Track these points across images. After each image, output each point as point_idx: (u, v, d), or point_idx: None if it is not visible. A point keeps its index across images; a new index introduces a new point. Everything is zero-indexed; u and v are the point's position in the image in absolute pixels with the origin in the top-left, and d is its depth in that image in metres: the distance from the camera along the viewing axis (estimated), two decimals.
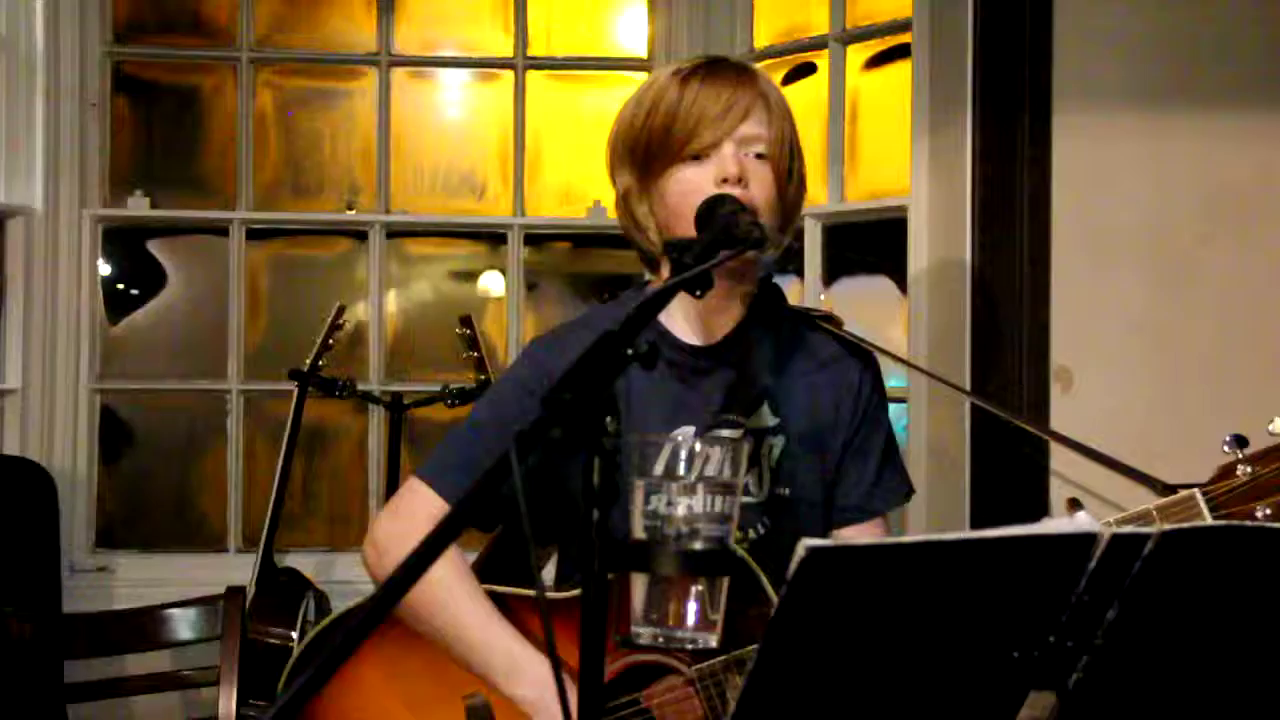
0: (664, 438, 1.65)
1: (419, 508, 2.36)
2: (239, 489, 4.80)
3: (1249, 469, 2.05)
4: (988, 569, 1.40)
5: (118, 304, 4.85)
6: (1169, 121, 3.57)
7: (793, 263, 4.44)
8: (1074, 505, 2.18)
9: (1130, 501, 2.15)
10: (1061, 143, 3.57)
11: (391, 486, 4.50)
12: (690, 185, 2.27)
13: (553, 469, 2.13)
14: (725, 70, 2.35)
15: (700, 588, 1.61)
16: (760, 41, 4.65)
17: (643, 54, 4.95)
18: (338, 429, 4.95)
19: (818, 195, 4.38)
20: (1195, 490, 2.08)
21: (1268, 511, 2.03)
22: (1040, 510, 3.47)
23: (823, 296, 4.39)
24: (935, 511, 3.78)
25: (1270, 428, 2.05)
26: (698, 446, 1.64)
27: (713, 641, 1.63)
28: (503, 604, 2.32)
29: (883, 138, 4.31)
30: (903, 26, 4.13)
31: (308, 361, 4.45)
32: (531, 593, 2.32)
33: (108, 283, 4.82)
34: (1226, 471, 2.07)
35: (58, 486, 4.35)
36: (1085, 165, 3.58)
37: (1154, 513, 2.07)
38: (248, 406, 4.84)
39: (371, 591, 2.25)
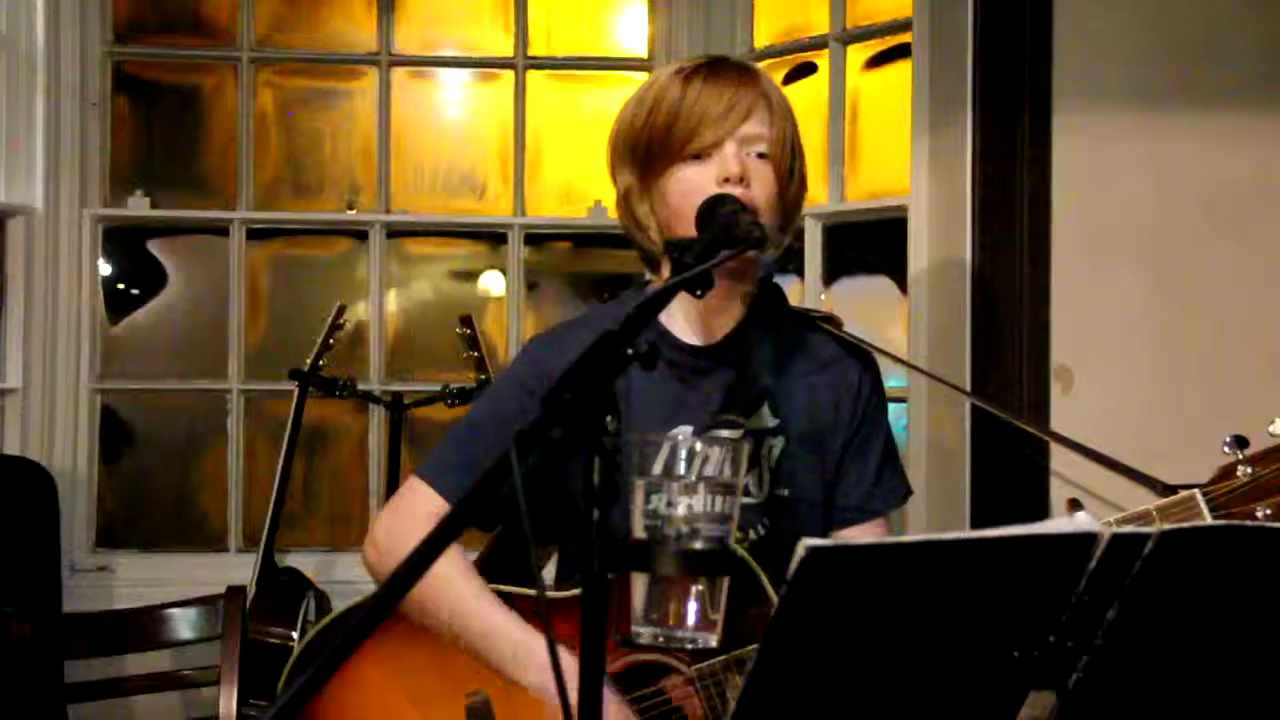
0: (663, 437, 1.65)
1: (419, 507, 2.37)
2: (239, 489, 4.80)
3: (1249, 469, 2.05)
4: (988, 569, 1.40)
5: (118, 304, 4.85)
6: (1169, 121, 3.57)
7: (793, 262, 4.44)
8: (1074, 505, 2.18)
9: (1130, 502, 2.15)
10: (1061, 143, 3.57)
11: (392, 486, 4.51)
12: (691, 185, 2.27)
13: (553, 468, 2.13)
14: (727, 69, 2.35)
15: (700, 587, 1.61)
16: (760, 41, 4.65)
17: (643, 54, 4.95)
18: (338, 429, 4.95)
19: (818, 195, 4.38)
20: (1195, 490, 2.08)
21: (1268, 512, 2.04)
22: (1040, 510, 3.48)
23: (823, 296, 4.39)
24: (935, 511, 3.79)
25: (1270, 428, 2.05)
26: (697, 446, 1.64)
27: (713, 641, 1.63)
28: (504, 603, 2.32)
29: (883, 137, 4.31)
30: (903, 26, 4.13)
31: (308, 361, 4.45)
32: (532, 592, 2.32)
33: (108, 282, 4.82)
34: (1227, 472, 2.07)
35: (58, 486, 4.35)
36: (1085, 165, 3.58)
37: (1154, 513, 2.07)
38: (248, 406, 4.84)
39: (372, 591, 2.26)
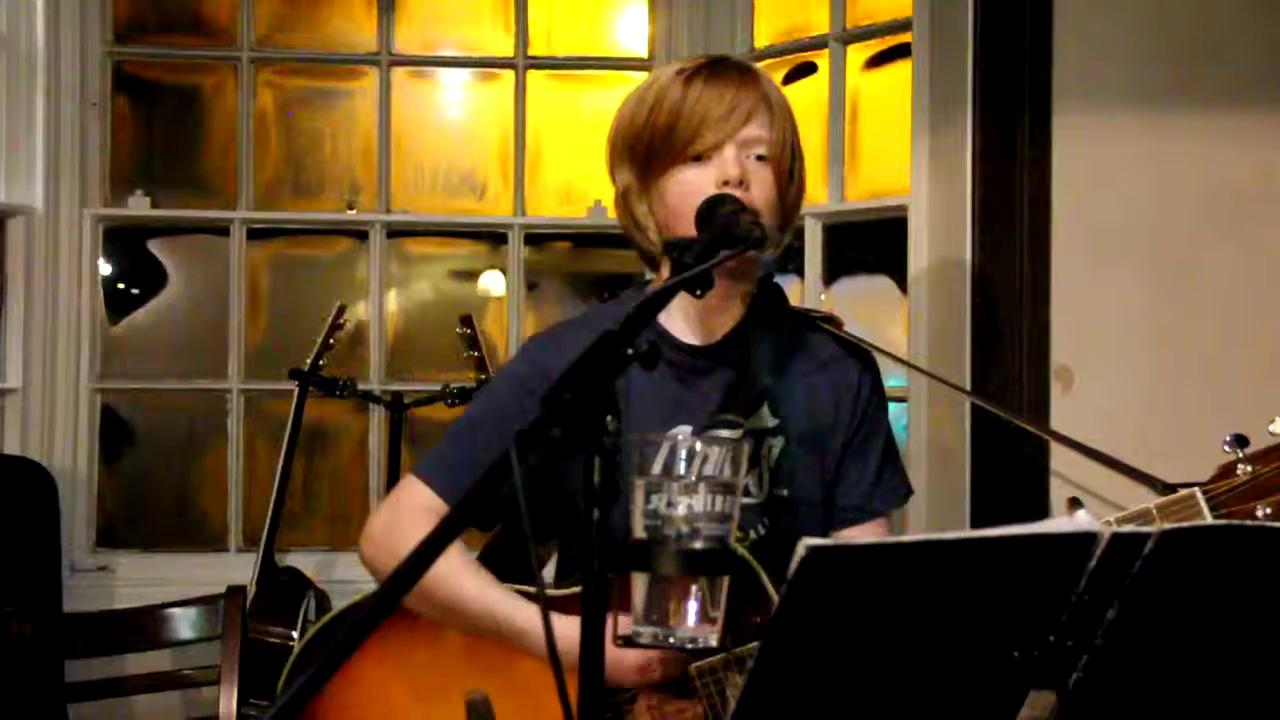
0: (663, 437, 1.66)
1: (413, 502, 2.37)
2: (239, 488, 4.80)
3: (1249, 468, 2.05)
4: (988, 568, 1.40)
5: (118, 303, 4.86)
6: (1168, 122, 3.57)
7: (793, 262, 4.44)
8: (1074, 504, 2.18)
9: (1130, 501, 2.15)
10: (1061, 143, 3.57)
11: (392, 486, 4.49)
12: (691, 186, 2.27)
13: (552, 468, 2.13)
14: (728, 71, 2.35)
15: (700, 587, 1.62)
16: (760, 41, 4.65)
17: (643, 54, 4.96)
18: (338, 428, 4.95)
19: (818, 195, 4.39)
20: (1195, 489, 2.08)
21: (1268, 511, 2.03)
22: (1040, 510, 3.48)
23: (823, 296, 4.40)
24: (935, 511, 3.79)
25: (1271, 427, 2.05)
26: (697, 446, 1.64)
27: (713, 640, 1.63)
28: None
29: (883, 137, 4.31)
30: (903, 26, 4.13)
31: (308, 361, 4.45)
32: (531, 589, 2.32)
33: (108, 282, 4.82)
34: (1227, 471, 2.07)
35: (58, 486, 4.35)
36: (1085, 165, 3.58)
37: (1154, 512, 2.07)
38: (248, 406, 4.84)
39: (371, 590, 2.26)
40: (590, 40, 5.04)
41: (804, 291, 4.41)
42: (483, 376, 4.45)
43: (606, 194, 2.50)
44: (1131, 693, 1.53)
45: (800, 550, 1.30)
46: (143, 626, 3.90)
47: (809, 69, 4.54)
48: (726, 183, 2.25)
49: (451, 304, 4.96)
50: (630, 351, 1.57)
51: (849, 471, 2.46)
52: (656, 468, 1.63)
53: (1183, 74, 3.57)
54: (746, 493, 2.32)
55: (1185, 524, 1.46)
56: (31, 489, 4.27)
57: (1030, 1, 3.58)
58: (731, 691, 2.17)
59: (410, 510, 2.36)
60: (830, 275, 4.44)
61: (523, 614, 2.27)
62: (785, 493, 2.39)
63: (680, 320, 2.41)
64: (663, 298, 1.76)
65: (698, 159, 2.30)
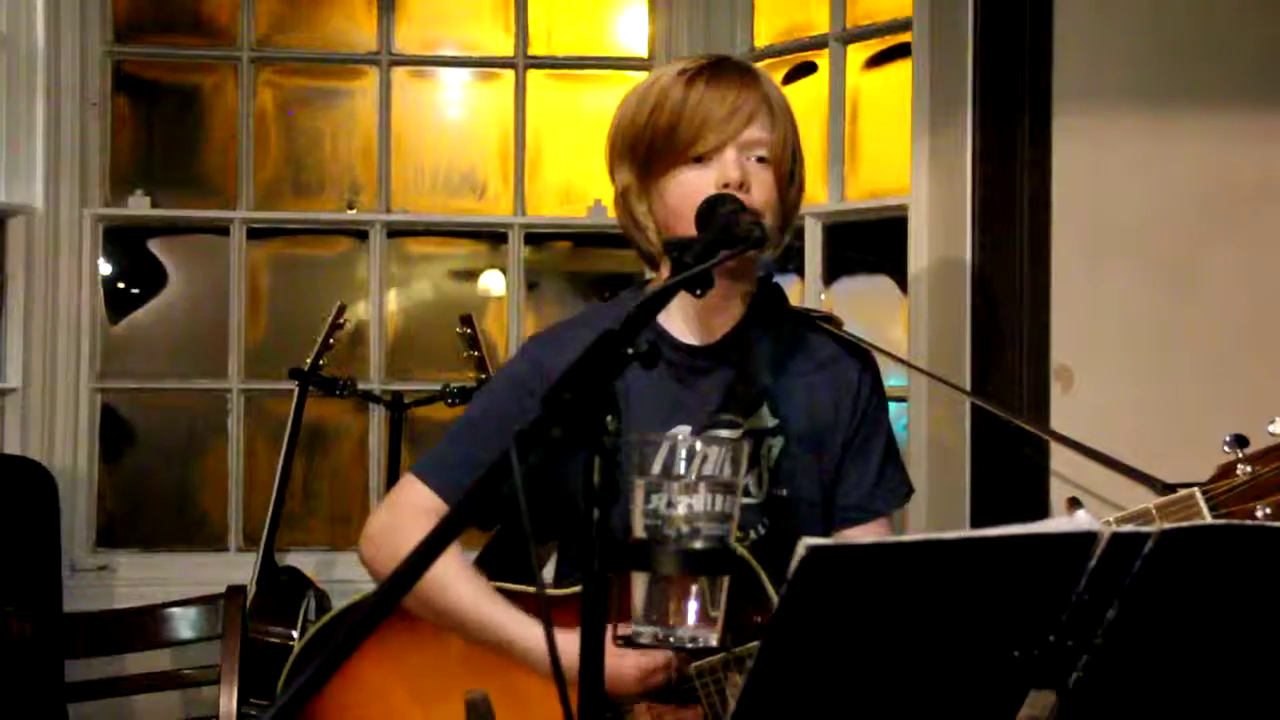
0: (663, 437, 1.66)
1: (415, 503, 2.38)
2: (239, 488, 4.80)
3: (1249, 468, 2.05)
4: (988, 568, 1.40)
5: (118, 303, 4.86)
6: (1168, 122, 3.57)
7: (793, 262, 4.44)
8: (1074, 504, 2.18)
9: (1130, 501, 2.15)
10: (1061, 143, 3.57)
11: (392, 485, 4.48)
12: (692, 187, 2.27)
13: (552, 468, 2.13)
14: (730, 72, 2.35)
15: (701, 586, 1.61)
16: (761, 41, 4.65)
17: (643, 53, 4.96)
18: (338, 428, 4.95)
19: (818, 194, 4.39)
20: (1195, 489, 2.08)
21: (1268, 511, 2.03)
22: (1040, 510, 3.48)
23: (823, 296, 4.40)
24: (935, 511, 3.79)
25: (1270, 427, 2.05)
26: (697, 446, 1.64)
27: (713, 640, 1.63)
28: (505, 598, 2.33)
29: (883, 137, 4.31)
30: (903, 26, 4.13)
31: (308, 361, 4.45)
32: (531, 590, 2.32)
33: (108, 282, 4.82)
34: (1226, 471, 2.07)
35: (58, 485, 4.35)
36: (1085, 165, 3.58)
37: (1153, 512, 2.07)
38: (248, 406, 4.85)
39: (371, 590, 2.26)
40: (590, 40, 5.04)
41: (804, 291, 4.41)
42: (483, 376, 4.45)
43: (606, 193, 2.50)
44: (1131, 692, 1.52)
45: (800, 550, 1.30)
46: (143, 626, 3.90)
47: (809, 69, 4.54)
48: (727, 185, 2.25)
49: (451, 304, 4.97)
50: (630, 351, 1.56)
51: (850, 471, 2.46)
52: (656, 467, 1.62)
53: (1182, 74, 3.57)
54: (746, 493, 2.32)
55: (1185, 524, 1.46)
56: (32, 488, 4.27)
57: (1030, 2, 3.58)
58: (731, 691, 2.17)
59: (410, 510, 2.36)
60: (830, 275, 4.44)
61: (516, 628, 2.27)
62: (785, 493, 2.39)
63: (680, 320, 2.41)
64: (663, 297, 1.76)
65: (699, 160, 2.30)
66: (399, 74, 4.96)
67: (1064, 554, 1.42)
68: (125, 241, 4.87)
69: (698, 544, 1.60)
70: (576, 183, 4.99)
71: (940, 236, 3.84)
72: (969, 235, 3.65)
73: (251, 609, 4.08)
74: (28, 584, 4.12)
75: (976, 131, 3.64)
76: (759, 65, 2.53)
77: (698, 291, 1.83)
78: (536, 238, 5.01)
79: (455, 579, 2.30)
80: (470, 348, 4.51)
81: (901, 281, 4.13)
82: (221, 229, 4.85)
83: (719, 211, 2.14)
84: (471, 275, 5.10)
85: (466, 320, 4.53)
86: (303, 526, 4.87)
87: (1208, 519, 2.03)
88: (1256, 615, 1.52)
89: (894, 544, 1.43)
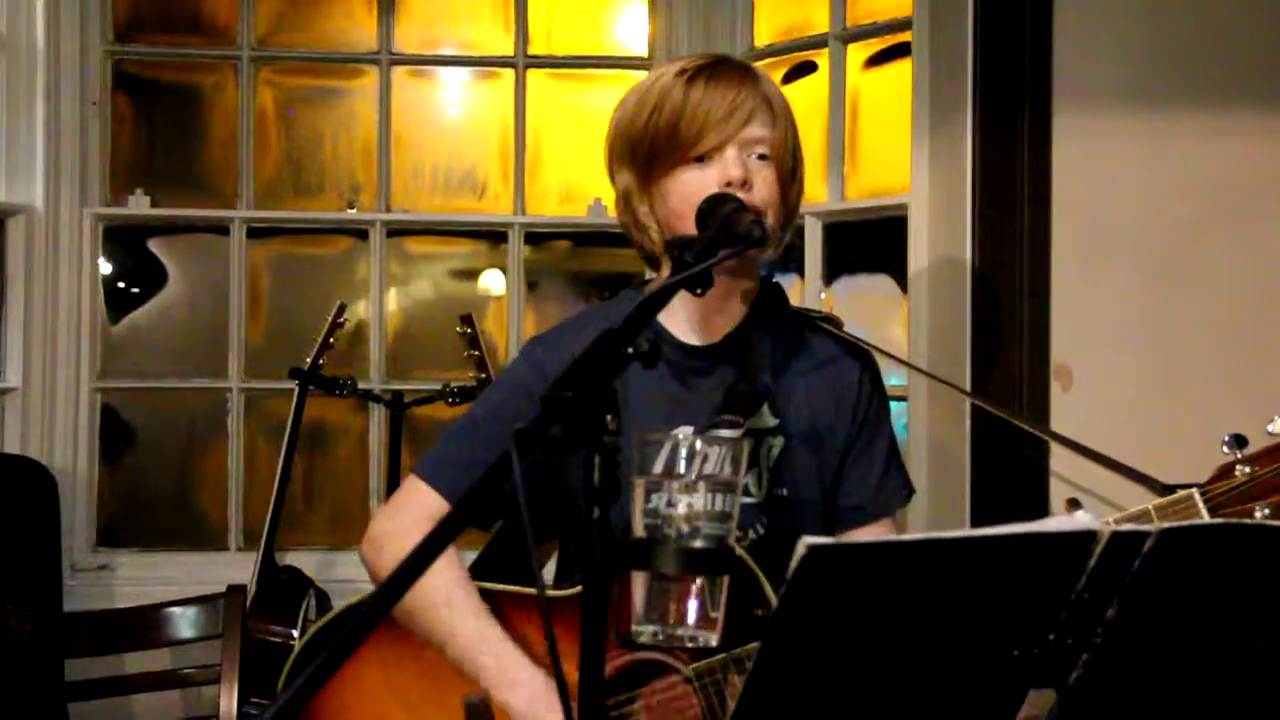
0: (664, 436, 1.66)
1: (416, 505, 2.38)
2: (240, 487, 4.80)
3: (1248, 469, 2.06)
4: (988, 567, 1.41)
5: (118, 302, 4.85)
6: (1168, 120, 3.57)
7: (793, 261, 4.44)
8: (1073, 505, 2.19)
9: (1129, 501, 2.16)
10: (1061, 141, 3.57)
11: (392, 485, 4.51)
12: (693, 187, 2.27)
13: (552, 467, 2.13)
14: (729, 71, 2.35)
15: (701, 586, 1.62)
16: (761, 40, 4.65)
17: (643, 53, 4.95)
18: (338, 427, 4.95)
19: (818, 193, 4.39)
20: (1194, 490, 2.08)
21: (1266, 512, 2.04)
22: (1040, 509, 3.48)
23: (823, 295, 4.40)
24: (935, 510, 3.79)
25: (1269, 427, 2.05)
26: (698, 445, 1.64)
27: (713, 640, 1.63)
28: (501, 601, 2.33)
29: (883, 136, 4.31)
30: (903, 25, 4.13)
31: (308, 360, 4.45)
32: (530, 590, 2.32)
33: (108, 281, 4.82)
34: (1225, 471, 2.08)
35: (58, 485, 4.35)
36: (1085, 164, 3.58)
37: (1152, 512, 2.08)
38: (248, 405, 4.84)
39: (371, 590, 2.26)
40: (590, 39, 5.04)
41: (804, 290, 4.41)
42: (483, 375, 4.45)
43: (606, 193, 2.50)
44: (1131, 691, 1.53)
45: (800, 549, 1.30)
46: (143, 625, 3.91)
47: (809, 68, 4.54)
48: (729, 183, 2.26)
49: (452, 303, 4.97)
50: (630, 350, 1.57)
51: (853, 472, 2.47)
52: (657, 467, 1.63)
53: (1182, 73, 3.57)
54: (746, 492, 2.32)
55: (1185, 523, 1.46)
56: (32, 488, 4.27)
57: (1030, 1, 3.58)
58: (730, 692, 2.17)
59: (412, 512, 2.37)
60: (830, 274, 4.44)
61: (500, 665, 2.27)
62: (785, 492, 2.39)
63: (681, 320, 2.41)
64: (663, 296, 1.77)
65: (700, 160, 2.30)
66: (399, 73, 4.96)
67: (1064, 553, 1.42)
68: (125, 241, 4.87)
69: (698, 543, 1.61)
70: (576, 182, 4.98)
71: (940, 236, 3.84)
72: (969, 234, 3.65)
73: (251, 608, 4.08)
74: (28, 583, 4.12)
75: (976, 131, 3.64)
76: (759, 65, 2.53)
77: (698, 290, 1.83)
78: (536, 237, 5.01)
79: (447, 603, 2.30)
80: (470, 347, 4.51)
81: (901, 281, 4.13)
82: (221, 228, 4.85)
83: (720, 210, 2.14)
84: (471, 274, 5.10)
85: (466, 320, 4.53)
86: (303, 526, 4.86)
87: (1206, 520, 2.03)
88: (1256, 614, 1.53)
89: (894, 543, 1.43)
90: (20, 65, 4.51)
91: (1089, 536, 1.41)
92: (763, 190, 2.29)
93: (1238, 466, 2.06)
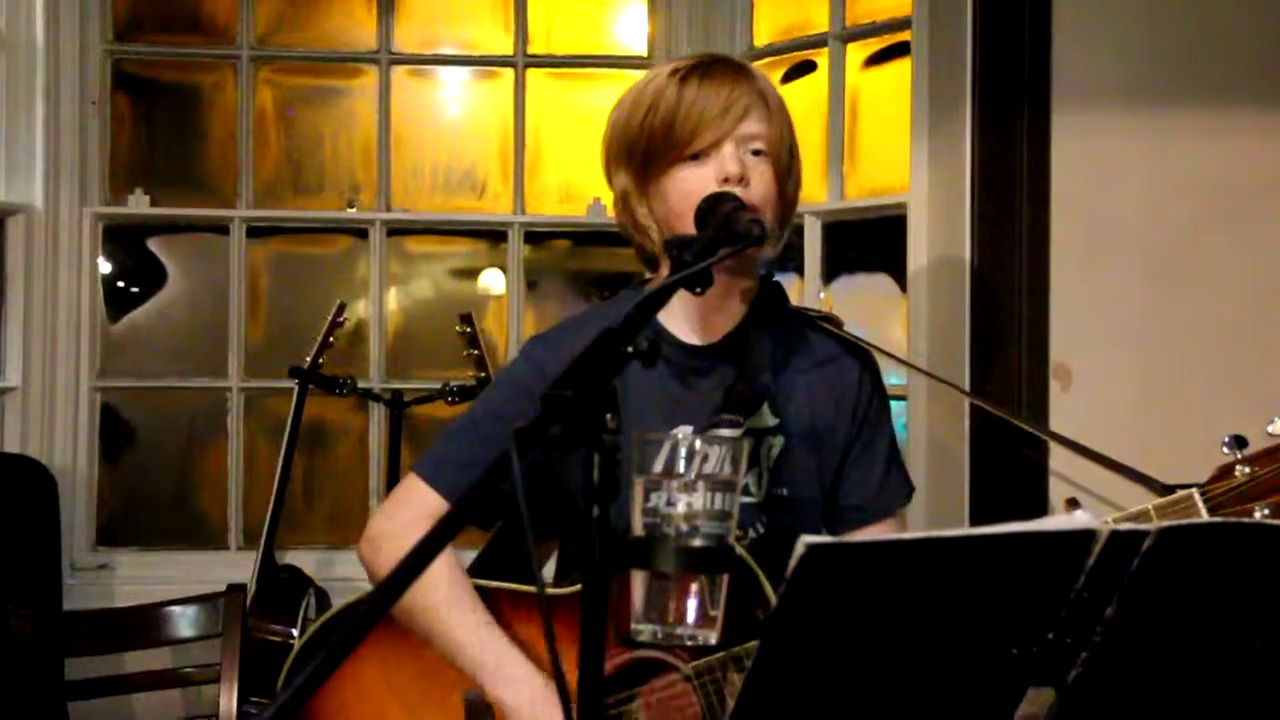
0: (664, 435, 1.66)
1: (413, 503, 2.38)
2: (239, 486, 4.81)
3: (1247, 469, 2.06)
4: (987, 566, 1.41)
5: (118, 302, 4.86)
6: (1167, 119, 3.57)
7: (792, 260, 4.45)
8: (1072, 505, 2.19)
9: (1129, 501, 2.16)
10: (1060, 141, 3.57)
11: (392, 483, 4.51)
12: (691, 185, 2.28)
13: (551, 466, 2.13)
14: (723, 69, 2.36)
15: (700, 584, 1.62)
16: (760, 40, 4.66)
17: (643, 52, 4.96)
18: (338, 426, 4.96)
19: (817, 193, 4.40)
20: (1193, 490, 2.09)
21: (1266, 512, 2.04)
22: (1039, 509, 3.48)
23: (822, 294, 4.40)
24: (934, 509, 3.79)
25: (1269, 428, 2.06)
26: (697, 444, 1.64)
27: (712, 638, 1.63)
28: (501, 599, 2.33)
29: (882, 136, 4.32)
30: (902, 25, 4.14)
31: (308, 359, 4.46)
32: (530, 588, 2.33)
33: (108, 280, 4.82)
34: (1225, 472, 2.08)
35: (58, 484, 4.35)
36: (1084, 163, 3.58)
37: (1152, 512, 2.08)
38: (248, 404, 4.85)
39: (370, 589, 2.26)
40: (589, 39, 5.05)
41: (803, 290, 4.42)
42: (482, 375, 4.45)
43: (605, 192, 2.50)
44: (1130, 689, 1.53)
45: (799, 548, 1.31)
46: (143, 624, 3.91)
47: (809, 67, 4.55)
48: (727, 179, 2.26)
49: (451, 302, 4.97)
50: (630, 349, 1.57)
51: (855, 472, 2.48)
52: (657, 466, 1.63)
53: (1181, 72, 3.58)
54: (746, 492, 2.32)
55: (1184, 521, 1.46)
56: (31, 487, 4.27)
57: (1029, 1, 3.58)
58: (730, 690, 2.17)
59: (411, 511, 2.37)
60: (830, 273, 4.45)
61: (498, 662, 2.27)
62: (784, 491, 2.39)
63: (681, 320, 2.42)
64: (662, 295, 1.77)
65: (696, 158, 2.30)
66: (399, 73, 4.96)
67: (1063, 552, 1.42)
68: (125, 240, 4.88)
69: (697, 542, 1.61)
70: (576, 181, 4.99)
71: (939, 235, 3.84)
72: (968, 233, 3.66)
73: (251, 607, 4.09)
74: (28, 582, 4.13)
75: (975, 130, 3.65)
76: (758, 64, 2.54)
77: (698, 290, 1.84)
78: (536, 236, 5.02)
79: (444, 603, 2.31)
80: (470, 346, 4.51)
81: (901, 280, 4.14)
82: (221, 228, 4.86)
83: (719, 209, 2.14)
84: (471, 274, 5.10)
85: (466, 319, 4.53)
86: (303, 525, 4.87)
87: (1205, 519, 2.03)
88: (1254, 613, 1.53)
89: (893, 542, 1.43)
90: (20, 64, 4.51)
91: (1088, 536, 1.41)
92: (759, 186, 2.30)
93: (1237, 467, 2.07)
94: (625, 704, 2.25)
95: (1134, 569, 1.43)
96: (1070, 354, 3.57)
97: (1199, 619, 1.51)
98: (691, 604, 1.62)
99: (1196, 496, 2.08)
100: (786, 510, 2.38)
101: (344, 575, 4.55)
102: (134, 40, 4.85)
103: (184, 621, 3.89)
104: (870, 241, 4.39)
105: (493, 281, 5.05)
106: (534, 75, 4.99)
